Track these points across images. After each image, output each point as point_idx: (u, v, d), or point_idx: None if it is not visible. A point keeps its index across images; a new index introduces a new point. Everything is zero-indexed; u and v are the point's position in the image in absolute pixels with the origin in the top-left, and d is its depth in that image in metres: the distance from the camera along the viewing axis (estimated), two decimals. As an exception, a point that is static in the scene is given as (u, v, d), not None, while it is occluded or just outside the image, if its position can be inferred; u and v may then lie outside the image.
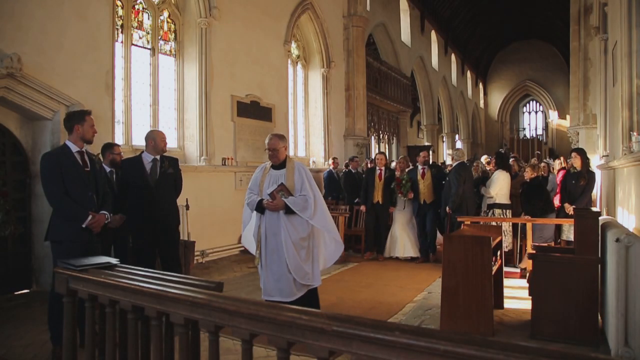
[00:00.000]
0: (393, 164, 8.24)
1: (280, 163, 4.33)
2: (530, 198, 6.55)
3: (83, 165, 3.72)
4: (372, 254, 7.91)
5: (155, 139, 4.60)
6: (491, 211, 6.95)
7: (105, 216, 3.80)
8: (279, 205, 4.14)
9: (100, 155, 4.98)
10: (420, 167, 7.59)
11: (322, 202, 4.33)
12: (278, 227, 4.18)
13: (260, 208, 4.24)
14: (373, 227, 7.90)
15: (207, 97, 8.00)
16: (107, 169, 4.97)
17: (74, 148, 3.69)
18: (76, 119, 3.72)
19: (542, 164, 8.71)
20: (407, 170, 7.81)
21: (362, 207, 8.15)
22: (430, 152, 10.48)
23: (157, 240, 4.54)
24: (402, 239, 7.70)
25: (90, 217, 3.63)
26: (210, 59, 8.07)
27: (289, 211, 4.13)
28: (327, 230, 4.38)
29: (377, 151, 15.44)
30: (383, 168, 7.89)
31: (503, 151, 11.51)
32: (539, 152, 20.44)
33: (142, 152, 4.70)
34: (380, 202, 7.79)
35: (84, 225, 3.60)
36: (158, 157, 4.61)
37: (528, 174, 6.67)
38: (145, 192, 4.51)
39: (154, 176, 4.53)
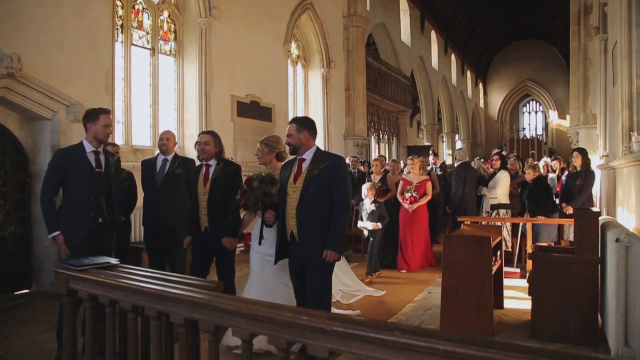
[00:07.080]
0: (406, 167, 6.47)
1: None
2: (538, 198, 6.53)
3: (96, 166, 3.52)
4: None
5: (162, 138, 4.76)
6: (495, 211, 6.92)
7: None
8: None
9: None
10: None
11: None
12: None
13: None
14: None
15: (207, 97, 8.00)
16: None
17: (88, 148, 3.54)
18: (89, 117, 3.55)
19: (543, 164, 8.70)
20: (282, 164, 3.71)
21: (187, 239, 4.19)
22: (431, 152, 10.23)
23: (162, 240, 4.55)
24: None
25: (57, 233, 3.40)
26: (210, 59, 8.06)
27: None
28: None
29: (376, 154, 14.84)
30: (212, 163, 4.15)
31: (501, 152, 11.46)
32: (534, 152, 20.32)
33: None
34: (209, 228, 4.05)
35: (50, 237, 3.44)
36: (169, 157, 4.67)
37: (530, 176, 6.65)
38: (151, 191, 4.60)
39: (160, 176, 4.60)
